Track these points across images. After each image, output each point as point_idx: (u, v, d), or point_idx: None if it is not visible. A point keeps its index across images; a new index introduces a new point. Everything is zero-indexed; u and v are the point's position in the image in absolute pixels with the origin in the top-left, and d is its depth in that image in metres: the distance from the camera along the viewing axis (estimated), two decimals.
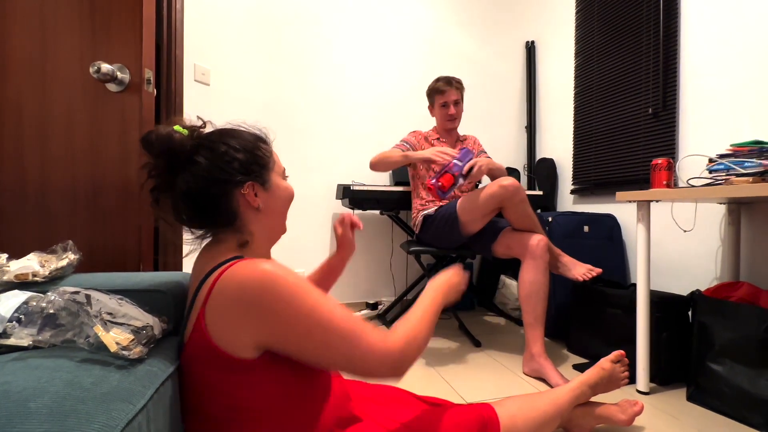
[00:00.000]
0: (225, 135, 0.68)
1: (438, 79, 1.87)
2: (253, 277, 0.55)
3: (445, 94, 1.83)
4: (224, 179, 0.64)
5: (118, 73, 0.98)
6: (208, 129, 0.70)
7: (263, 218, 0.69)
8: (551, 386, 1.32)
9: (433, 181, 1.50)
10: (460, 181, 1.54)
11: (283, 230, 0.75)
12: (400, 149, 1.83)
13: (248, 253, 0.67)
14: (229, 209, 0.66)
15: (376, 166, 1.82)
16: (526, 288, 1.46)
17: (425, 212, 1.79)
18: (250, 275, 0.56)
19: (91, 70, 0.93)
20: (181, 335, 0.64)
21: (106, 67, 0.94)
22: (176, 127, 0.64)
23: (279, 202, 0.71)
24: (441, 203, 1.77)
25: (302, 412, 0.64)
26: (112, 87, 0.99)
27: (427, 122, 2.13)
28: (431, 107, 1.94)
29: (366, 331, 0.60)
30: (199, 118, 0.70)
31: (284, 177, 0.75)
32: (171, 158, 0.63)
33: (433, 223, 1.72)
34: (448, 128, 1.90)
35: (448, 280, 0.83)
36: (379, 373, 0.60)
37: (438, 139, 1.92)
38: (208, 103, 1.97)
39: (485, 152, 2.03)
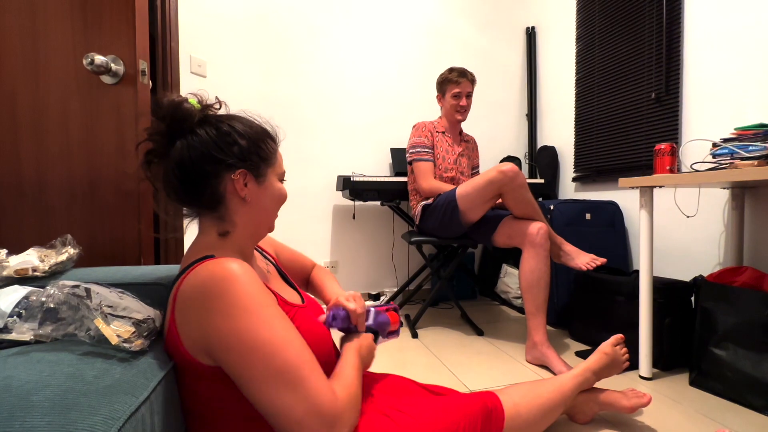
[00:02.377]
0: (234, 119, 0.67)
1: (452, 70, 1.84)
2: (212, 273, 0.54)
3: (460, 85, 1.81)
4: (219, 158, 0.63)
5: (112, 65, 0.96)
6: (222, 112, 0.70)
7: (249, 211, 0.67)
8: (554, 374, 1.33)
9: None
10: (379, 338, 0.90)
11: (270, 229, 0.73)
12: (430, 158, 1.82)
13: (228, 245, 0.66)
14: (216, 192, 0.64)
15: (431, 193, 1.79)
16: (527, 277, 1.46)
17: (424, 202, 1.78)
18: (210, 272, 0.55)
19: (84, 62, 0.92)
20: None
21: (99, 58, 0.93)
22: (190, 99, 0.64)
23: (268, 200, 0.69)
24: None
25: None
26: (106, 79, 0.98)
27: (427, 111, 2.12)
28: (440, 97, 1.90)
29: (316, 374, 0.53)
30: (217, 99, 0.70)
31: (282, 179, 0.74)
32: (174, 124, 0.63)
33: (433, 213, 1.71)
34: (457, 119, 1.88)
35: (366, 345, 0.75)
36: (314, 428, 0.51)
37: (443, 134, 1.89)
38: (204, 95, 1.95)
39: (478, 168, 2.04)
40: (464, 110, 1.86)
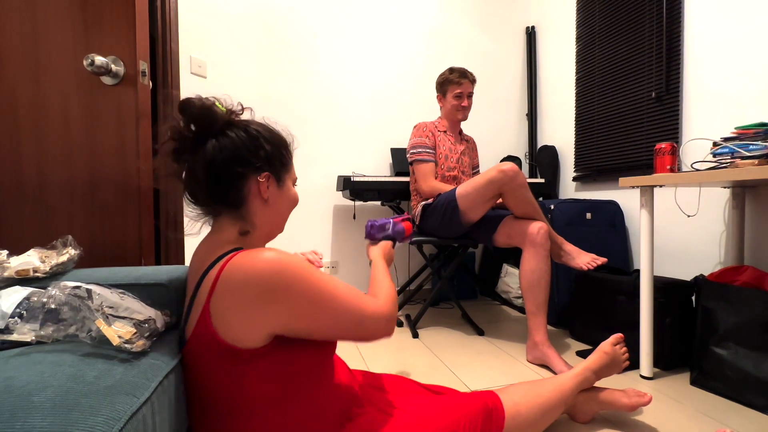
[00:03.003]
0: (261, 125, 0.71)
1: (452, 70, 1.84)
2: (264, 265, 0.56)
3: (461, 86, 1.81)
4: (248, 160, 0.66)
5: (113, 66, 0.96)
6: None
7: (268, 212, 0.70)
8: (555, 373, 1.32)
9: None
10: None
11: (281, 230, 0.77)
12: (430, 159, 1.82)
13: (246, 244, 0.67)
14: (241, 192, 0.67)
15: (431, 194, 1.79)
16: (528, 276, 1.46)
17: (424, 202, 1.78)
18: (258, 264, 0.57)
19: (84, 63, 0.92)
20: (181, 329, 0.64)
21: (99, 59, 0.93)
22: (217, 104, 0.67)
23: (285, 203, 0.74)
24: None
25: (308, 401, 0.64)
26: (106, 80, 0.98)
27: (427, 111, 2.12)
28: (441, 97, 1.90)
29: (364, 300, 0.66)
30: (239, 104, 0.72)
31: (295, 184, 0.77)
32: (205, 124, 0.65)
33: (433, 212, 1.71)
34: (458, 119, 1.88)
35: (385, 250, 0.98)
36: (378, 335, 0.68)
37: (444, 133, 1.89)
38: (205, 95, 1.95)
39: (478, 168, 2.05)
40: (466, 110, 1.86)
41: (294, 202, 0.76)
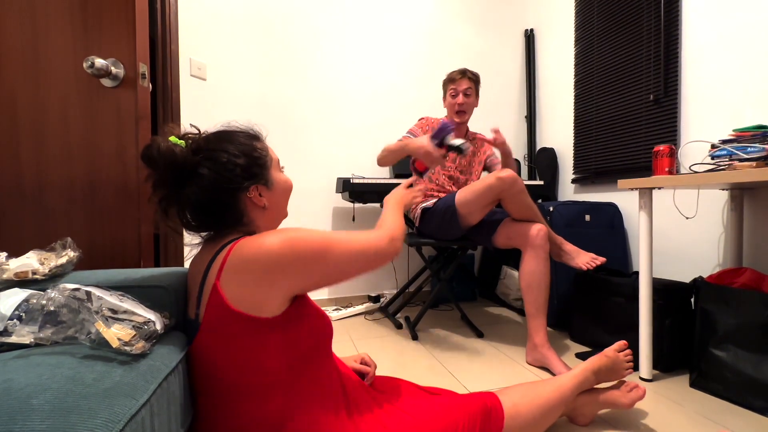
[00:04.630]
0: (223, 141, 0.69)
1: (453, 71, 1.83)
2: (271, 240, 0.60)
3: (456, 82, 1.79)
4: (230, 187, 0.67)
5: (113, 68, 0.96)
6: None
7: (268, 213, 0.73)
8: (555, 375, 1.32)
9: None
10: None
11: (285, 216, 0.78)
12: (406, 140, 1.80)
13: None
14: (237, 211, 0.69)
15: (382, 160, 1.75)
16: (527, 278, 1.46)
17: (423, 205, 1.78)
18: (266, 240, 0.60)
19: (84, 65, 0.92)
20: (193, 321, 0.65)
21: (99, 62, 0.93)
22: (172, 139, 0.65)
23: (282, 197, 0.75)
24: (440, 195, 1.77)
25: (313, 384, 0.66)
26: (106, 82, 0.98)
27: (427, 113, 2.12)
28: (444, 98, 1.89)
29: (369, 240, 0.71)
30: (192, 126, 0.72)
31: (281, 169, 0.77)
32: (175, 172, 0.65)
33: (433, 216, 1.72)
34: (456, 121, 1.87)
35: (399, 196, 1.00)
36: (386, 259, 0.74)
37: None
38: (204, 98, 1.96)
39: (493, 154, 2.00)
40: (462, 108, 1.80)
41: (288, 188, 0.77)
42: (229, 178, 0.66)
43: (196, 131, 0.71)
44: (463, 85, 1.79)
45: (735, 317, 1.19)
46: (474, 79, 1.82)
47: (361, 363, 0.98)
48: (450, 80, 1.82)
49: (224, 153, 0.67)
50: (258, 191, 0.70)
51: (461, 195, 1.59)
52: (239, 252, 0.60)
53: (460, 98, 1.79)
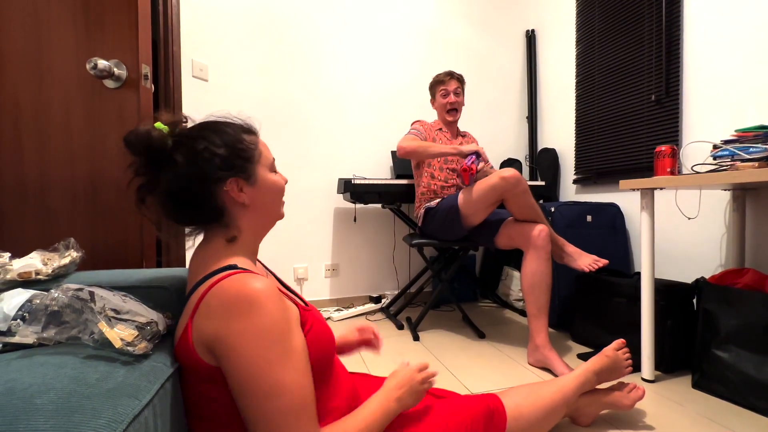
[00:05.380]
0: (205, 130, 0.65)
1: (439, 73, 1.91)
2: (239, 292, 0.55)
3: (445, 83, 1.86)
4: (204, 177, 0.62)
5: (115, 69, 0.97)
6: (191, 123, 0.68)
7: (251, 213, 0.67)
8: (556, 376, 1.32)
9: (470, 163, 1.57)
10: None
11: (279, 217, 0.73)
12: (419, 138, 1.82)
13: (238, 248, 0.66)
14: (214, 206, 0.64)
15: (412, 154, 1.76)
16: (529, 279, 1.46)
17: (427, 205, 1.78)
18: (237, 290, 0.55)
19: (87, 66, 0.92)
20: (172, 336, 0.63)
21: (102, 63, 0.93)
22: (157, 124, 0.62)
23: (268, 196, 0.69)
24: (443, 195, 1.77)
25: (321, 403, 0.63)
26: (109, 83, 0.99)
27: (427, 114, 2.12)
28: (433, 101, 1.96)
29: (304, 422, 0.54)
30: (182, 114, 0.69)
31: (274, 169, 0.71)
32: (151, 156, 0.62)
33: (435, 216, 1.72)
34: (448, 120, 1.90)
35: (409, 379, 0.73)
36: None
37: (440, 130, 1.91)
38: (206, 99, 1.96)
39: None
40: (453, 107, 1.87)
41: (278, 189, 0.71)
42: (203, 167, 0.61)
43: (184, 118, 0.68)
44: (453, 85, 1.86)
45: (737, 318, 1.19)
46: (461, 79, 1.90)
47: (358, 331, 0.95)
48: (439, 82, 1.89)
49: (203, 140, 0.63)
50: (238, 185, 0.64)
51: (464, 196, 1.59)
52: (211, 297, 0.56)
53: (452, 97, 1.86)
